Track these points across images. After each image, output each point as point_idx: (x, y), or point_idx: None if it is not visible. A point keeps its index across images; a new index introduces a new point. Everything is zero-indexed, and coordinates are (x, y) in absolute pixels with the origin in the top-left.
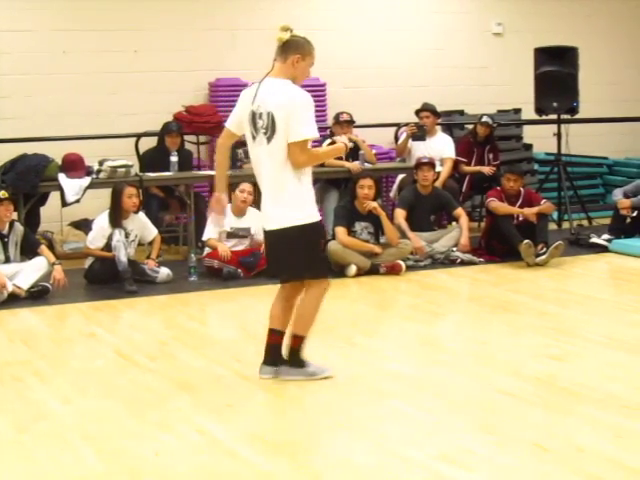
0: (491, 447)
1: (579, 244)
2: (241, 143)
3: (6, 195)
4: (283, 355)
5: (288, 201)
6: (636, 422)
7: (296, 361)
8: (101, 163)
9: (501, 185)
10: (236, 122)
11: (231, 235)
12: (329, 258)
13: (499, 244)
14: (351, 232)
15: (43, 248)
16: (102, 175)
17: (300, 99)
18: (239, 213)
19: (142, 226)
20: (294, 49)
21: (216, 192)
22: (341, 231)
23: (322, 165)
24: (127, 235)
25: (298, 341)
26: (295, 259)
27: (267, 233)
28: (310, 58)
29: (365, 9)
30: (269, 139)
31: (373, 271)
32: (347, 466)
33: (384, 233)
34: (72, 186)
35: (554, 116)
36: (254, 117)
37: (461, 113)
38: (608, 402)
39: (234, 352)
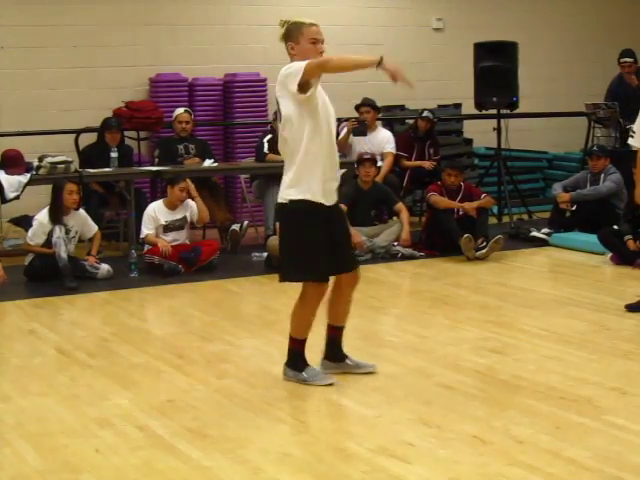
0: (430, 440)
1: (519, 238)
2: (182, 139)
3: None
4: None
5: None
6: (574, 413)
7: (292, 362)
8: (41, 159)
9: (441, 180)
10: None
11: (167, 228)
12: (269, 253)
13: (439, 238)
14: None
15: None
16: (42, 171)
17: (285, 68)
18: (173, 207)
19: (82, 222)
20: (286, 40)
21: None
22: None
23: (263, 160)
24: (67, 231)
25: (291, 342)
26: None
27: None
28: (302, 37)
29: (304, 3)
30: (283, 125)
31: None
32: (286, 461)
33: None
34: (11, 182)
35: (494, 111)
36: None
37: (401, 108)
38: (547, 394)
39: (175, 348)
